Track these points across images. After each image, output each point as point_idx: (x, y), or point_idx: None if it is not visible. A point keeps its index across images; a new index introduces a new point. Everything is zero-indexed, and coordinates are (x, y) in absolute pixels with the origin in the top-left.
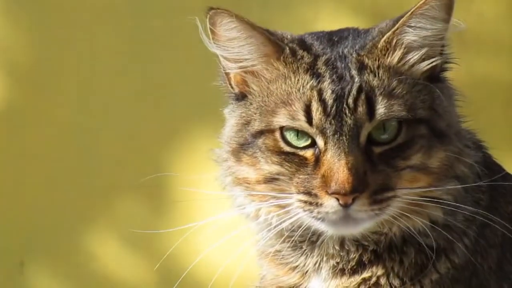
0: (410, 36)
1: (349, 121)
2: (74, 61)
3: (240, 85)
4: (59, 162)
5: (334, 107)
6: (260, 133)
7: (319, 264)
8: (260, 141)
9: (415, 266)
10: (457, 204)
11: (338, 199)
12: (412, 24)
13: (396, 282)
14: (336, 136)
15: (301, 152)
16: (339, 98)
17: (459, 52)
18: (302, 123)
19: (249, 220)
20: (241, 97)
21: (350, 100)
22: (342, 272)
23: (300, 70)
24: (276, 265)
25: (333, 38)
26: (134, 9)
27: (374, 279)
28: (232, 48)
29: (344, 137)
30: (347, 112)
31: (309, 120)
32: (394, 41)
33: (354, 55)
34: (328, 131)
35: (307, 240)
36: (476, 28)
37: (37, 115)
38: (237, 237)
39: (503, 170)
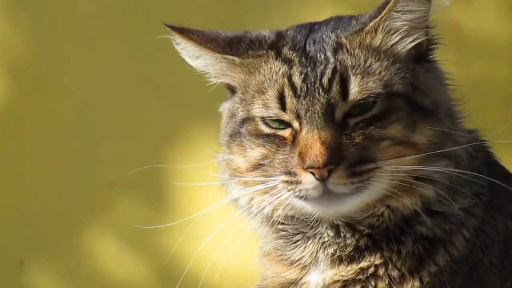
0: (397, 22)
1: (322, 100)
2: (74, 60)
3: (224, 81)
4: (59, 162)
5: (305, 87)
6: (243, 122)
7: (316, 254)
8: (243, 129)
9: (412, 257)
10: (453, 189)
11: (314, 174)
12: (399, 9)
13: (394, 273)
14: (308, 114)
15: (280, 132)
16: (309, 78)
17: (458, 52)
18: (275, 111)
19: (244, 213)
20: (232, 91)
21: (325, 80)
22: (340, 260)
23: (270, 59)
24: (276, 262)
25: (314, 26)
26: (135, 9)
27: (372, 269)
28: (197, 61)
29: (316, 115)
30: (320, 91)
31: (283, 106)
32: (381, 27)
33: (333, 37)
34: (301, 112)
35: (300, 233)
36: (476, 27)
37: (36, 115)
38: (235, 235)
39: (505, 169)
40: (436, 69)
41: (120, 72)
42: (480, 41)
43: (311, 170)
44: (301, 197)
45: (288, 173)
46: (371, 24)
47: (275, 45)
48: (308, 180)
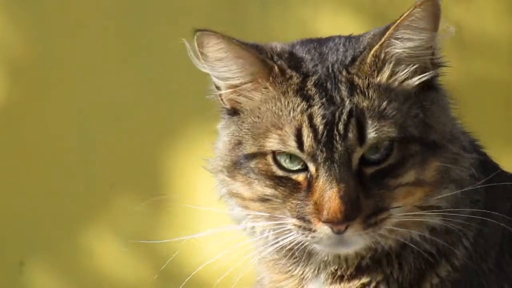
0: (397, 49)
1: (340, 148)
2: (74, 60)
3: (232, 102)
4: (59, 162)
5: (325, 133)
6: (253, 156)
7: (318, 270)
8: (252, 164)
9: (414, 271)
10: (456, 210)
11: (331, 227)
12: (399, 36)
13: (395, 287)
14: (327, 163)
15: (294, 176)
16: (330, 123)
17: (458, 51)
18: (293, 149)
19: (245, 234)
20: (233, 112)
21: (341, 126)
22: (341, 278)
23: (290, 92)
24: (274, 270)
25: (323, 50)
26: (135, 9)
27: (373, 284)
28: (220, 68)
29: (335, 164)
30: (337, 138)
31: (300, 145)
32: (382, 55)
33: (344, 73)
34: (319, 158)
35: (304, 252)
36: (476, 27)
37: (36, 115)
38: (239, 242)
39: (498, 168)
40: (442, 95)
41: (120, 72)
42: (480, 40)
43: (329, 224)
44: (312, 242)
45: (302, 219)
46: (372, 52)
47: (297, 66)
48: (324, 231)
